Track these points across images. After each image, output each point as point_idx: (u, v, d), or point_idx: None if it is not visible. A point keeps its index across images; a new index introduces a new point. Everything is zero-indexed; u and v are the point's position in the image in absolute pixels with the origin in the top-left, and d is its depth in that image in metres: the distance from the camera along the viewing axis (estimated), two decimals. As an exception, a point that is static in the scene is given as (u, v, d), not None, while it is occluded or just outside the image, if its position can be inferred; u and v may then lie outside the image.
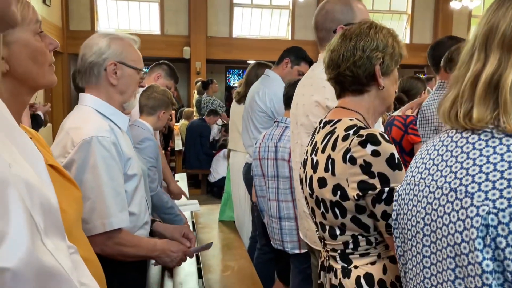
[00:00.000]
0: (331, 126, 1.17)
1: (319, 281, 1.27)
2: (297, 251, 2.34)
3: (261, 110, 2.82)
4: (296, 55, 2.89)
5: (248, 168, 2.95)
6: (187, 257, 1.61)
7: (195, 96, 7.89)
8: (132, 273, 1.48)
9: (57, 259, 0.59)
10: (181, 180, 4.31)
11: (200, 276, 2.84)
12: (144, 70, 1.57)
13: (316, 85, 1.64)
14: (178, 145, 6.14)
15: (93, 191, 1.29)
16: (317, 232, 1.27)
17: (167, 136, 7.26)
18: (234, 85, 12.11)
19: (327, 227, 1.17)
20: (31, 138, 1.03)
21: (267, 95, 2.80)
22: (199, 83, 7.47)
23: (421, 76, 4.79)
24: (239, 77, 12.84)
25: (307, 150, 1.26)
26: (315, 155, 1.18)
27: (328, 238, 1.18)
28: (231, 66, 12.91)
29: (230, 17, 11.10)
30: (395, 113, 2.70)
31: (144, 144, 2.29)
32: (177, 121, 8.47)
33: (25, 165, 0.60)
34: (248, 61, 9.59)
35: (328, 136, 1.15)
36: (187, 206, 3.19)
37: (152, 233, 1.65)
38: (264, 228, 2.67)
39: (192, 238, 1.67)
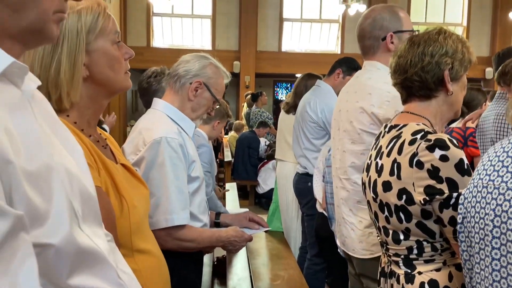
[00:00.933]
0: (397, 131, 1.18)
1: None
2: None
3: (312, 121, 2.84)
4: (348, 65, 2.89)
5: (298, 178, 2.96)
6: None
7: (245, 108, 8.02)
8: (189, 273, 1.53)
9: (94, 241, 0.64)
10: (232, 189, 4.38)
11: (250, 283, 2.87)
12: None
13: (361, 91, 1.66)
14: (227, 156, 6.25)
15: (158, 188, 1.38)
16: (378, 237, 1.26)
17: (216, 147, 7.42)
18: (282, 99, 12.19)
19: (391, 232, 1.16)
20: (105, 139, 1.12)
21: (318, 106, 2.81)
22: (249, 95, 7.60)
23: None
24: (287, 90, 12.92)
25: (371, 155, 1.27)
26: (380, 159, 1.19)
27: (391, 243, 1.17)
28: (279, 79, 13.03)
29: (280, 31, 11.24)
30: (454, 125, 2.62)
31: (200, 150, 2.37)
32: (226, 133, 8.65)
33: (66, 155, 0.66)
34: (296, 75, 9.65)
35: (394, 140, 1.16)
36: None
37: (219, 226, 1.74)
38: (317, 238, 2.66)
39: (259, 220, 1.79)
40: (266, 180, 6.06)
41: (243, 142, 6.53)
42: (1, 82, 0.56)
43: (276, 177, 3.55)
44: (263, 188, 6.10)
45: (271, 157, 6.08)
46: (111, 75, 1.03)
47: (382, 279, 1.24)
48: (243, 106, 8.73)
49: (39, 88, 0.67)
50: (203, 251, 1.78)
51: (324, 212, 2.51)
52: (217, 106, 2.51)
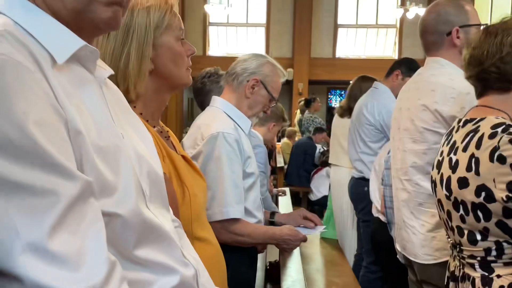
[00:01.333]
0: (473, 125, 1.11)
1: None
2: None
3: (369, 123, 2.76)
4: (408, 66, 2.78)
5: (354, 183, 2.89)
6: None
7: (298, 115, 7.99)
8: (244, 268, 1.54)
9: (160, 220, 0.65)
10: (286, 194, 4.37)
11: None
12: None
13: (423, 89, 1.58)
14: (279, 162, 6.23)
15: (214, 181, 1.40)
16: (449, 239, 1.19)
17: (268, 154, 7.44)
18: (335, 106, 12.01)
19: (466, 232, 1.10)
20: (167, 131, 1.15)
21: (375, 108, 2.73)
22: (302, 101, 7.56)
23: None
24: (341, 97, 12.71)
25: (442, 151, 1.21)
26: (454, 154, 1.13)
27: (466, 244, 1.10)
28: (333, 86, 12.86)
29: (334, 37, 11.14)
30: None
31: (256, 150, 2.38)
32: (278, 140, 8.66)
33: (136, 139, 0.68)
34: (351, 81, 9.46)
35: (471, 134, 1.10)
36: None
37: (274, 225, 1.74)
38: (373, 244, 2.57)
39: (314, 217, 1.78)
40: (319, 187, 5.96)
41: (300, 147, 6.49)
42: (75, 65, 0.59)
43: (330, 183, 3.48)
44: (316, 195, 6.01)
45: (324, 163, 5.97)
46: (174, 69, 1.06)
47: (452, 283, 1.17)
48: (296, 113, 8.70)
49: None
50: (257, 248, 1.77)
51: (380, 216, 2.42)
52: (273, 105, 2.53)
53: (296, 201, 6.41)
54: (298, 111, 8.07)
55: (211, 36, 11.40)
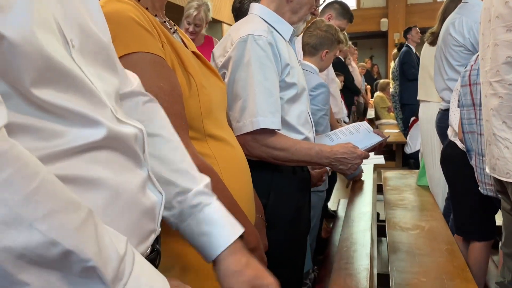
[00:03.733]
0: None
1: None
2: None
3: (457, 44, 2.36)
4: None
5: (441, 116, 2.53)
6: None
7: (392, 65, 7.39)
8: (291, 188, 1.40)
9: (87, 75, 0.56)
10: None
11: (383, 234, 2.60)
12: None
13: None
14: (370, 114, 5.86)
15: (245, 89, 1.26)
16: None
17: (363, 111, 7.05)
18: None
19: None
20: (174, 25, 1.05)
21: (464, 24, 2.32)
22: (395, 49, 6.94)
23: None
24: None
25: None
26: None
27: None
28: (435, 35, 11.66)
29: (434, -22, 10.01)
30: None
31: (317, 91, 2.16)
32: (372, 96, 8.14)
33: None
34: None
35: None
36: (371, 160, 2.96)
37: None
38: (446, 175, 2.24)
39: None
40: (416, 137, 5.42)
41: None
42: None
43: (420, 122, 3.12)
44: (411, 147, 5.52)
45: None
46: None
47: None
48: (391, 65, 8.06)
49: None
50: (311, 177, 1.60)
51: (457, 142, 2.08)
52: (324, 25, 2.26)
53: (390, 155, 6.00)
54: (393, 62, 7.45)
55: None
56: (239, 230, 0.74)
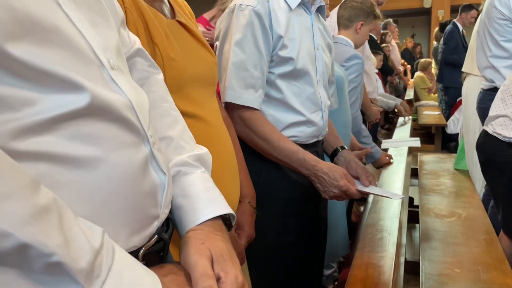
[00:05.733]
0: None
1: None
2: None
3: (503, 17, 2.17)
4: None
5: (483, 95, 2.36)
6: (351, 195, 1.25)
7: (434, 44, 7.02)
8: (280, 183, 1.32)
9: (75, 22, 0.49)
10: (407, 125, 3.91)
11: (415, 220, 2.48)
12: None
13: None
14: (409, 95, 5.61)
15: (226, 62, 1.22)
16: None
17: (400, 89, 6.77)
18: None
19: None
20: None
21: (512, -5, 2.12)
22: (437, 28, 6.57)
23: None
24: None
25: None
26: None
27: None
28: (483, 12, 10.98)
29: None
30: None
31: (351, 62, 2.07)
32: (412, 76, 7.79)
33: None
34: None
35: None
36: (405, 142, 2.82)
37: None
38: (481, 164, 2.08)
39: (370, 176, 1.34)
40: (459, 117, 5.05)
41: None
42: None
43: (463, 97, 2.93)
44: (452, 128, 5.21)
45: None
46: None
47: None
48: (433, 44, 7.66)
49: None
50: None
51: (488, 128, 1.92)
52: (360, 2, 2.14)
53: (429, 138, 5.74)
54: (435, 42, 7.07)
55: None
56: (216, 210, 0.63)
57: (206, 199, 0.64)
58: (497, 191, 2.04)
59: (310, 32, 1.34)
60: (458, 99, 5.24)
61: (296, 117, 1.31)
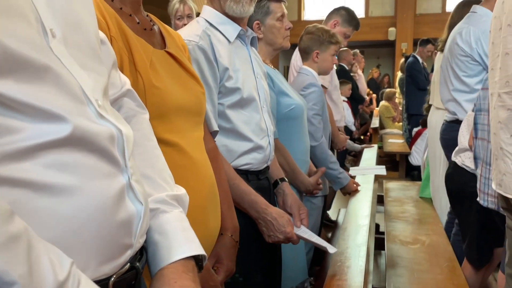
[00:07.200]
0: None
1: None
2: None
3: (464, 54, 2.30)
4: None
5: (446, 127, 2.46)
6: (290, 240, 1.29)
7: (399, 75, 7.32)
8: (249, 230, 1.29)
9: (66, 65, 0.51)
10: (372, 150, 4.02)
11: (381, 247, 2.53)
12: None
13: None
14: (374, 123, 5.78)
15: None
16: None
17: (366, 117, 6.98)
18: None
19: None
20: (151, 22, 0.99)
21: (472, 34, 2.25)
22: (402, 59, 6.87)
23: None
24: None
25: None
26: None
27: None
28: (444, 46, 11.59)
29: (443, -12, 9.96)
30: None
31: (308, 90, 2.15)
32: (377, 105, 8.06)
33: None
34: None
35: None
36: (371, 170, 2.89)
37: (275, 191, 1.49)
38: (448, 193, 2.17)
39: (303, 213, 1.40)
40: (422, 148, 5.29)
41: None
42: None
43: (428, 128, 3.05)
44: (416, 158, 5.42)
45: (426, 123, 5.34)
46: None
47: None
48: (397, 75, 7.99)
49: None
50: (266, 177, 1.46)
51: (457, 159, 2.01)
52: (311, 27, 2.24)
53: (393, 165, 5.91)
54: (399, 72, 7.38)
55: (307, 0, 10.99)
56: (191, 250, 0.64)
57: (182, 238, 0.65)
58: (467, 220, 2.11)
59: (249, 62, 1.39)
60: (417, 129, 5.48)
61: (248, 144, 1.33)
